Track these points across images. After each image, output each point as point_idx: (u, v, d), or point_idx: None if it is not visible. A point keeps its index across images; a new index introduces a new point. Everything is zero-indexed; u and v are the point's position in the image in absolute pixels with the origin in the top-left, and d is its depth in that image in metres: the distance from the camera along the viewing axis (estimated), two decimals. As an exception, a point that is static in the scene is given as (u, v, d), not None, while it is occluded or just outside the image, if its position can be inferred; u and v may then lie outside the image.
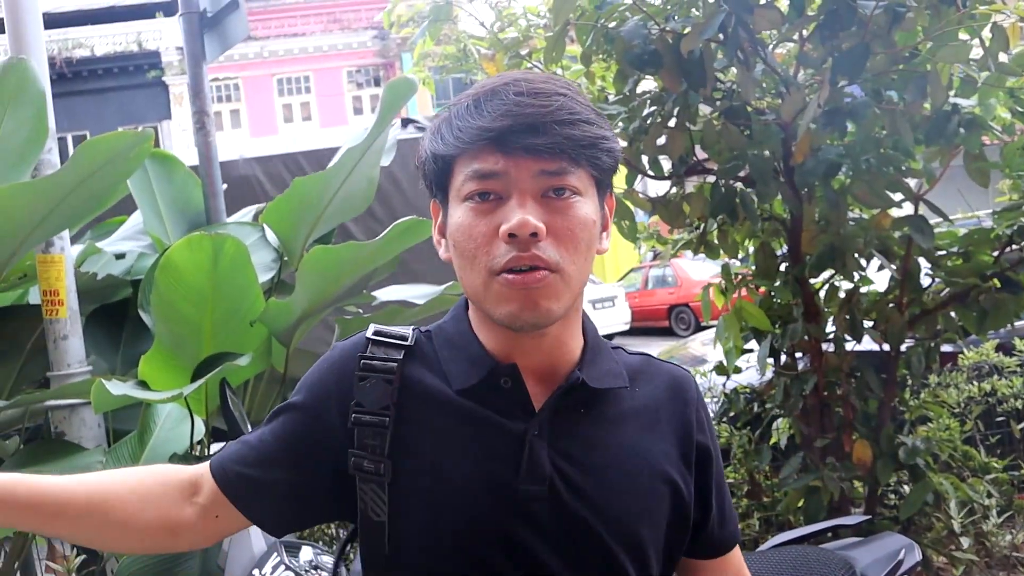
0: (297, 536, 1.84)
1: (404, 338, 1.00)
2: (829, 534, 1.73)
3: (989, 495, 2.54)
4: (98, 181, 2.08)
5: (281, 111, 20.14)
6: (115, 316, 2.94)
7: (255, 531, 1.58)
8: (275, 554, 1.51)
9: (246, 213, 3.75)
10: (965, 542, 2.40)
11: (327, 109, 19.98)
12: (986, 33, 2.30)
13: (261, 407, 2.45)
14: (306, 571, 1.49)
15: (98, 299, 2.88)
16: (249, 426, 1.67)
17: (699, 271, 13.15)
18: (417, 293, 2.86)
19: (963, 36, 2.38)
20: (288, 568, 1.48)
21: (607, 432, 0.97)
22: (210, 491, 0.98)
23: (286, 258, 2.67)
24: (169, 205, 2.89)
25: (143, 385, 1.92)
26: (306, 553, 1.54)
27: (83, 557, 2.39)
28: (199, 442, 2.17)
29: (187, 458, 1.97)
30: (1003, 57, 2.54)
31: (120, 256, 2.82)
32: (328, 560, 1.55)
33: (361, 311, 2.77)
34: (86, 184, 2.05)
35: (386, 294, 2.69)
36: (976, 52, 2.44)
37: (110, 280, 2.78)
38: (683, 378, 1.07)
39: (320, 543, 1.75)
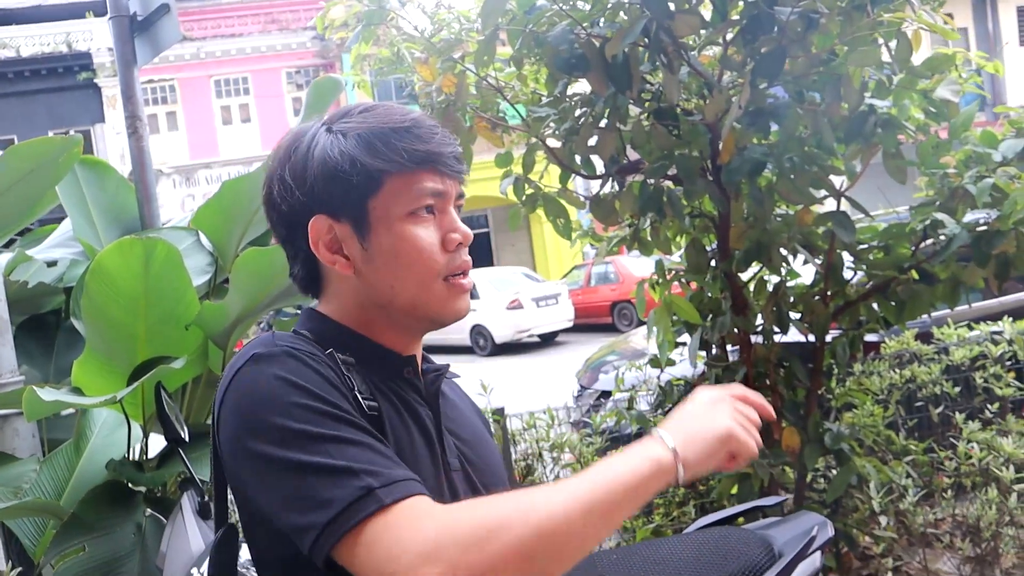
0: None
1: (314, 341, 0.99)
2: (759, 514, 1.81)
3: (908, 476, 2.67)
4: (25, 187, 2.06)
5: (219, 113, 19.79)
6: (47, 325, 2.90)
7: (192, 529, 1.59)
8: (212, 553, 1.53)
9: (183, 219, 3.73)
10: (884, 521, 2.51)
11: (267, 111, 19.72)
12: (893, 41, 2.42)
13: (199, 411, 2.44)
14: (247, 569, 1.51)
15: (29, 308, 2.84)
16: (186, 429, 1.68)
17: (640, 268, 13.34)
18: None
19: (887, 40, 2.50)
20: (226, 567, 1.50)
21: (459, 410, 1.14)
22: None
23: (221, 262, 2.67)
24: (102, 212, 2.86)
25: (77, 392, 1.91)
26: (245, 552, 1.55)
27: (19, 570, 2.36)
28: (138, 447, 2.16)
29: (124, 464, 1.96)
30: (916, 60, 2.68)
31: (52, 264, 2.78)
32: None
33: (299, 313, 2.78)
34: (13, 191, 2.03)
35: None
36: (887, 56, 2.56)
37: (41, 288, 2.74)
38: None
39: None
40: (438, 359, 1.18)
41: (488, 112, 3.05)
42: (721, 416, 0.96)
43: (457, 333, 14.10)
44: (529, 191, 3.11)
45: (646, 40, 2.32)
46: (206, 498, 1.67)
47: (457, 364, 1.30)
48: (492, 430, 1.25)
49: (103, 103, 17.73)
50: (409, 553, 0.77)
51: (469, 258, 1.04)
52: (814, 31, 2.42)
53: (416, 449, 0.99)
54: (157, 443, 2.30)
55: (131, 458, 2.09)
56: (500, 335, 14.31)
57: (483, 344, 14.56)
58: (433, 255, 0.99)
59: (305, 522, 0.82)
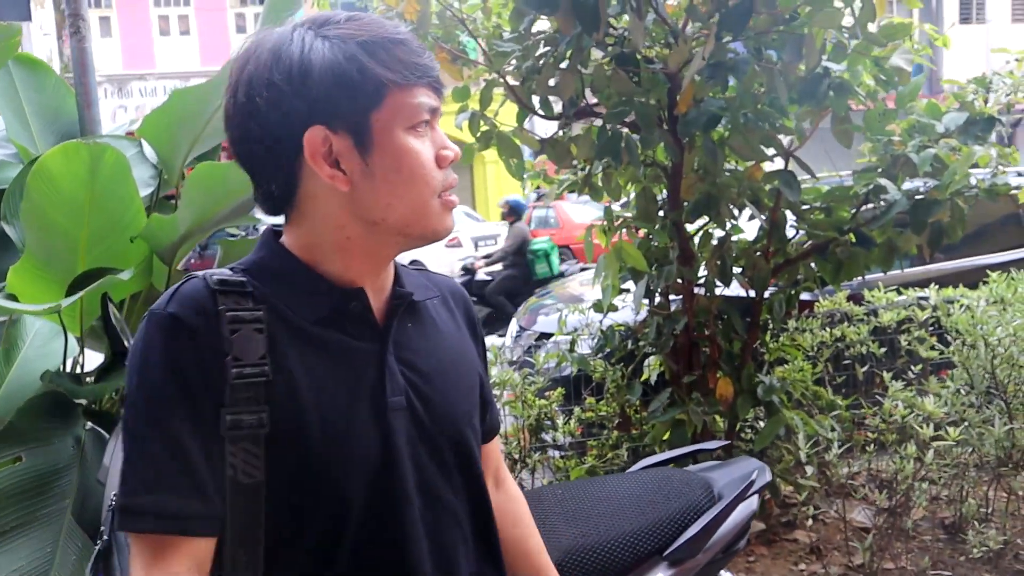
0: None
1: (243, 284, 0.96)
2: (691, 459, 1.87)
3: (832, 429, 2.78)
4: (-42, 80, 1.94)
5: (157, 22, 18.90)
6: (-27, 228, 2.77)
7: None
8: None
9: (119, 127, 3.57)
10: (809, 470, 2.63)
11: (207, 24, 18.91)
12: (857, 3, 2.45)
13: (136, 327, 2.38)
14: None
15: (-45, 209, 2.71)
16: (130, 340, 1.63)
17: (581, 214, 13.40)
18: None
19: (837, 4, 2.52)
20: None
21: (432, 341, 1.08)
22: (206, 553, 0.91)
23: (165, 176, 2.57)
24: (37, 113, 2.71)
25: (12, 299, 1.83)
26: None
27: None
28: (73, 360, 2.10)
29: (61, 376, 1.91)
30: (872, 27, 2.72)
31: (-18, 164, 2.64)
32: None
33: (245, 233, 2.71)
34: (-55, 83, 1.91)
35: (273, 219, 2.64)
36: (848, 20, 2.59)
37: (-31, 189, 2.61)
38: (457, 286, 1.22)
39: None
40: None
41: (449, 44, 2.99)
42: None
43: (393, 269, 13.96)
44: (484, 128, 3.08)
45: (618, -18, 2.30)
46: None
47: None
48: (484, 350, 1.22)
49: (30, 1, 16.73)
50: None
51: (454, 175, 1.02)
52: (782, -12, 2.43)
53: (338, 392, 0.95)
54: (92, 358, 2.24)
55: (66, 370, 2.03)
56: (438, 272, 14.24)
57: (419, 281, 14.47)
58: (431, 170, 0.98)
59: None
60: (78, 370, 2.12)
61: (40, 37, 15.80)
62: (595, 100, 3.02)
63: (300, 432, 0.93)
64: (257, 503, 0.91)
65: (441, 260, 14.18)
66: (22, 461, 1.65)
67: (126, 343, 1.62)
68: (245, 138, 0.97)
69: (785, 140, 3.07)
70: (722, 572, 1.62)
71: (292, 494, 0.93)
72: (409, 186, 0.96)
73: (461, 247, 14.22)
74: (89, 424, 1.83)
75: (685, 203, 3.02)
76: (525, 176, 3.40)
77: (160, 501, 0.88)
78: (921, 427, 2.45)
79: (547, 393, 3.22)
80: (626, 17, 2.79)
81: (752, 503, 1.57)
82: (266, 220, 2.87)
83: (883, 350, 3.26)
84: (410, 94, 0.95)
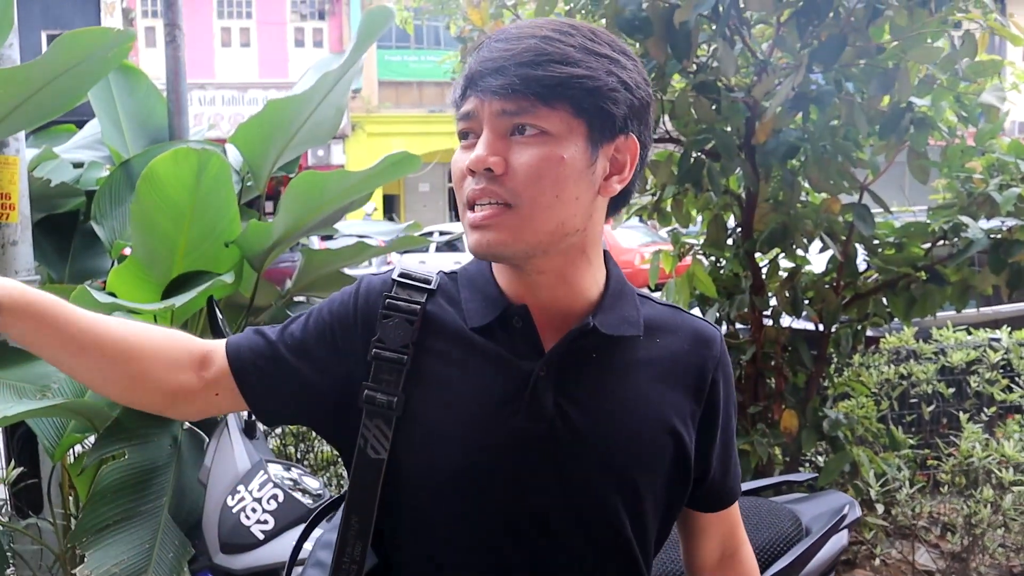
0: (280, 458, 1.87)
1: (428, 281, 1.03)
2: (774, 491, 1.85)
3: (900, 468, 2.74)
4: (71, 79, 2.00)
5: (219, 34, 19.34)
6: (62, 226, 2.85)
7: (239, 447, 1.60)
8: (261, 471, 1.54)
9: (198, 131, 3.67)
10: (879, 509, 2.59)
11: (267, 37, 19.29)
12: (958, 39, 2.43)
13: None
14: (291, 488, 1.53)
15: (47, 207, 2.80)
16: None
17: (627, 239, 13.37)
18: (375, 230, 2.87)
19: (933, 40, 2.50)
20: (276, 485, 1.51)
21: (616, 379, 0.99)
22: (220, 369, 1.00)
23: (249, 183, 2.64)
24: (130, 118, 2.81)
25: (111, 296, 1.89)
26: (291, 472, 1.57)
27: (21, 469, 2.36)
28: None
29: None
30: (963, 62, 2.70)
31: (79, 165, 2.73)
32: (312, 482, 1.58)
33: (329, 245, 2.76)
34: (59, 80, 1.98)
35: (346, 227, 2.69)
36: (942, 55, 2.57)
37: (63, 188, 2.69)
38: (709, 333, 1.07)
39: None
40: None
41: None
42: None
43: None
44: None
45: (713, 11, 2.31)
46: (251, 417, 1.67)
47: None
48: (719, 407, 1.07)
49: (100, 8, 17.24)
50: None
51: (480, 186, 0.92)
52: (875, 22, 2.42)
53: (474, 399, 0.97)
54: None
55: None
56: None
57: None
58: (460, 181, 0.96)
59: None
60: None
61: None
62: (668, 128, 3.03)
63: (424, 423, 0.97)
64: (376, 477, 0.96)
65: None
66: (125, 457, 1.69)
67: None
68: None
69: (860, 174, 3.05)
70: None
71: (417, 471, 0.97)
72: (457, 197, 0.98)
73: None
74: (187, 424, 1.87)
75: (758, 232, 3.01)
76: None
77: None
78: (1000, 470, 2.40)
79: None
80: (705, 45, 2.80)
81: (842, 538, 1.56)
82: (342, 231, 2.90)
83: (951, 390, 3.21)
84: (461, 105, 0.96)
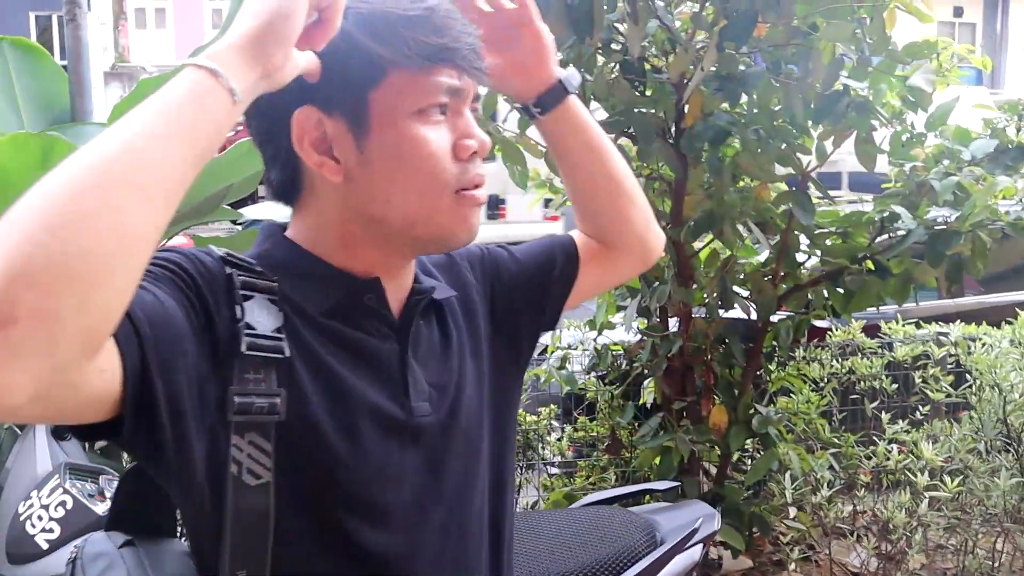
0: (97, 460, 1.76)
1: (249, 262, 0.84)
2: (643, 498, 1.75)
3: (830, 467, 2.63)
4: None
5: (210, 16, 19.22)
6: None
7: (42, 449, 1.50)
8: (56, 476, 1.44)
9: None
10: (793, 511, 2.48)
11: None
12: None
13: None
14: (89, 496, 1.42)
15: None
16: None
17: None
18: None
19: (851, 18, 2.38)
20: (66, 492, 1.41)
21: (449, 341, 0.97)
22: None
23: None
24: (31, 100, 2.70)
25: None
26: (99, 480, 1.46)
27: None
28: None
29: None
30: (899, 44, 2.57)
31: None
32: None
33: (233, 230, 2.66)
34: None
35: (253, 212, 2.59)
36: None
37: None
38: (446, 256, 1.04)
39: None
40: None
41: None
42: None
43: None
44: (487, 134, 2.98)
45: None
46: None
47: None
48: (492, 259, 1.13)
49: (89, -10, 17.11)
50: None
51: (484, 170, 0.88)
52: (791, -2, 2.30)
53: (360, 394, 0.85)
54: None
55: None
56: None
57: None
58: (443, 162, 0.85)
59: None
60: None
61: (97, 27, 16.15)
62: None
63: (310, 427, 0.81)
64: (264, 508, 0.78)
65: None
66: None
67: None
68: (246, 121, 0.87)
69: (805, 160, 2.93)
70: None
71: (316, 478, 0.82)
72: (412, 178, 0.84)
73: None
74: (6, 423, 1.78)
75: (688, 220, 2.89)
76: (530, 184, 3.29)
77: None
78: (917, 474, 2.29)
79: (539, 409, 3.11)
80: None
81: (694, 553, 1.45)
82: (247, 216, 2.78)
83: (895, 386, 3.09)
84: (421, 74, 0.83)
